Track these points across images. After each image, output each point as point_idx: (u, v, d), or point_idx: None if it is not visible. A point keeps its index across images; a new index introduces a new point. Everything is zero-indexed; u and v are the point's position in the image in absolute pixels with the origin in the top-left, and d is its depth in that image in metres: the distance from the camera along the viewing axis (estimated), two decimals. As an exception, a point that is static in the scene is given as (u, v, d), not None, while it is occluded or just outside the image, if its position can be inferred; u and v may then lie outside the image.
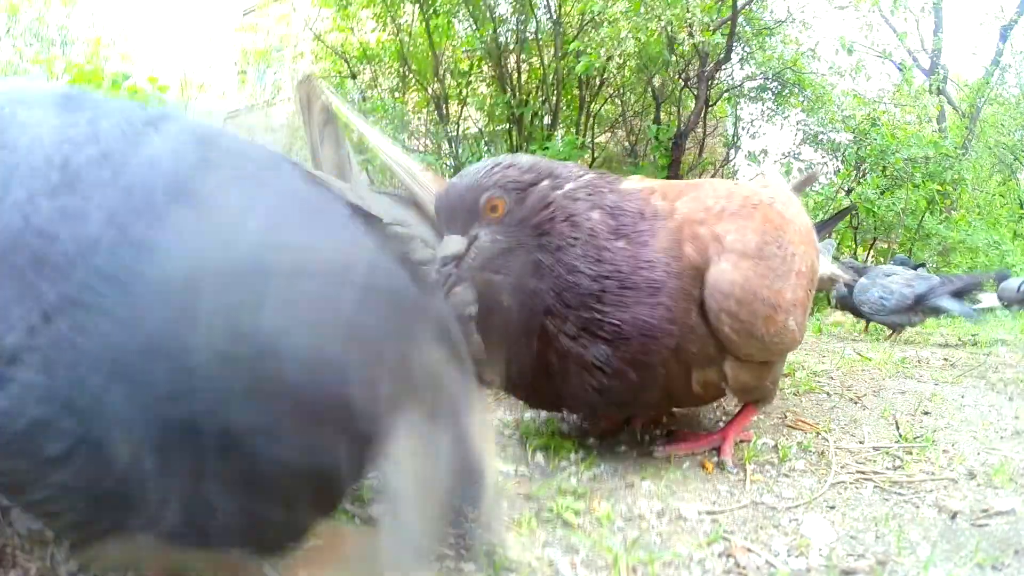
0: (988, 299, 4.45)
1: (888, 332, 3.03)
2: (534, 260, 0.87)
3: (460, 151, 5.71)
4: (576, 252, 0.87)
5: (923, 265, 3.69)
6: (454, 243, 0.86)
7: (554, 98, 5.70)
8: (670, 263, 0.88)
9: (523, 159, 0.91)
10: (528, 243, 0.88)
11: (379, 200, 1.20)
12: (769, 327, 0.94)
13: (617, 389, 0.89)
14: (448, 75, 5.80)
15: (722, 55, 5.26)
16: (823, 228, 1.98)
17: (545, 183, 0.89)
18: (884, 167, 5.76)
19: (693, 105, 5.74)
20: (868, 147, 5.72)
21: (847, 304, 3.20)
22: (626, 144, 6.57)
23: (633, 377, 0.88)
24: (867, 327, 3.30)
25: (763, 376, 1.02)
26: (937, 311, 2.93)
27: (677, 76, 5.81)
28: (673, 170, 5.52)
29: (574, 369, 0.88)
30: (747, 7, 5.33)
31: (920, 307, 2.84)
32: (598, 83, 5.90)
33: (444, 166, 5.39)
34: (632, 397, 0.92)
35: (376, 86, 6.15)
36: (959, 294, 2.86)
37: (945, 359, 2.18)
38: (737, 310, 0.90)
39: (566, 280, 0.86)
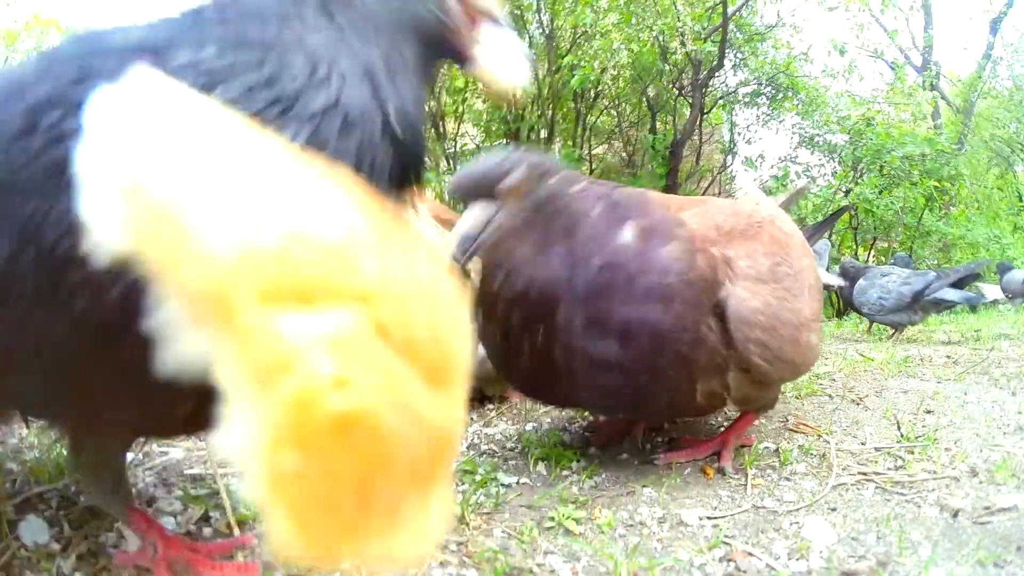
0: (991, 292, 4.43)
1: (890, 332, 3.02)
2: (548, 245, 0.90)
3: (458, 167, 5.75)
4: (584, 239, 0.89)
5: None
6: (475, 215, 0.88)
7: (550, 112, 5.74)
8: (683, 272, 0.89)
9: (536, 155, 0.96)
10: (542, 228, 0.90)
11: None
12: (796, 348, 0.95)
13: (621, 389, 0.89)
14: (444, 92, 5.86)
15: (715, 62, 5.30)
16: (819, 230, 1.99)
17: (556, 179, 0.94)
18: (881, 166, 5.77)
19: (688, 113, 5.78)
20: (864, 147, 5.74)
21: (851, 304, 3.21)
22: (623, 155, 6.60)
23: (639, 379, 0.88)
24: (870, 327, 3.29)
25: (767, 388, 1.02)
26: (939, 304, 2.93)
27: (671, 85, 5.86)
28: (671, 178, 5.55)
29: (580, 364, 0.88)
30: (737, 14, 5.38)
31: (919, 304, 2.84)
32: (593, 95, 5.94)
33: (442, 183, 5.43)
34: (635, 399, 0.92)
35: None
36: (958, 285, 2.87)
37: (948, 356, 2.17)
38: (766, 339, 0.90)
39: (576, 269, 0.88)
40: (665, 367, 0.88)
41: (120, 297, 0.42)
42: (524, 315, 0.90)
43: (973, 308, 3.18)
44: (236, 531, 0.78)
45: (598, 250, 0.88)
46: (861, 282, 3.00)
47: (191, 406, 0.48)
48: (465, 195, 0.90)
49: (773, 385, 1.03)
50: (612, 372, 0.87)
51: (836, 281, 1.84)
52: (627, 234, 0.90)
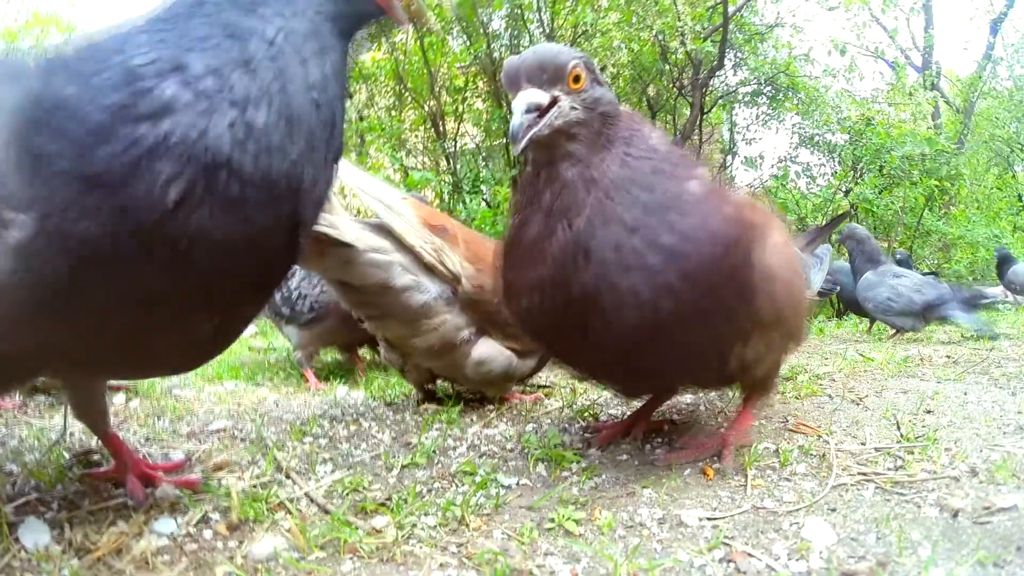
0: (993, 291, 4.38)
1: (890, 332, 3.02)
2: (604, 145, 0.87)
3: (458, 167, 5.76)
4: (640, 152, 0.88)
5: (935, 274, 3.64)
6: (537, 95, 0.85)
7: (549, 110, 5.74)
8: (740, 223, 0.90)
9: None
10: (599, 128, 0.88)
11: (355, 229, 1.23)
12: (795, 313, 1.01)
13: (657, 309, 0.84)
14: (444, 92, 5.86)
15: (715, 62, 5.30)
16: (820, 234, 1.99)
17: (607, 90, 0.92)
18: (881, 166, 5.78)
19: (688, 113, 5.78)
20: (864, 147, 5.74)
21: (852, 303, 3.19)
22: (623, 153, 6.60)
23: (671, 305, 0.84)
24: (870, 327, 3.28)
25: (769, 352, 1.03)
26: (944, 320, 2.91)
27: (671, 84, 5.86)
28: (670, 177, 5.54)
29: (615, 266, 0.84)
30: (738, 14, 5.38)
31: (926, 314, 2.83)
32: (593, 94, 5.94)
33: (443, 183, 5.43)
34: (664, 335, 0.87)
35: (373, 105, 6.22)
36: (968, 305, 2.85)
37: (948, 356, 2.17)
38: (779, 288, 0.94)
39: (638, 174, 0.86)
40: (713, 301, 0.87)
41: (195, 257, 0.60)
42: (567, 209, 0.86)
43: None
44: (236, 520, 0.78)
45: (658, 165, 0.87)
46: (870, 276, 2.95)
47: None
48: (526, 75, 0.85)
49: (774, 350, 1.05)
50: (663, 286, 0.84)
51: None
52: (695, 181, 0.90)
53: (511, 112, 0.85)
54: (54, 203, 0.55)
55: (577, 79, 0.86)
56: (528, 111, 0.83)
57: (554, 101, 0.84)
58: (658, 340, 0.87)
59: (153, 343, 0.67)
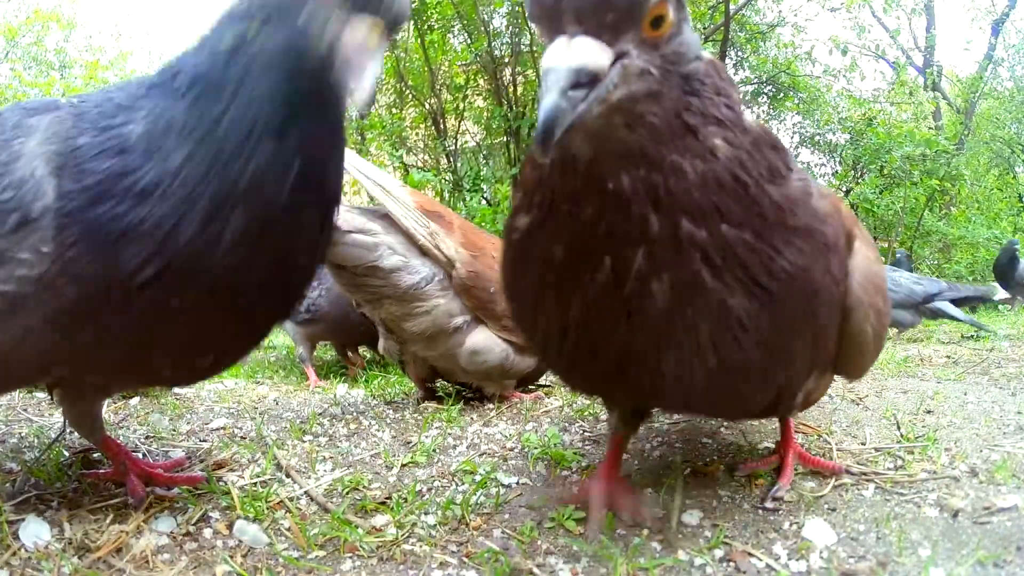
0: (998, 290, 4.37)
1: (891, 331, 3.03)
2: (683, 130, 0.57)
3: (458, 165, 5.75)
4: (741, 144, 0.60)
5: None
6: (591, 52, 0.52)
7: (550, 109, 5.73)
8: (839, 235, 0.69)
9: None
10: (678, 102, 0.57)
11: (346, 213, 1.25)
12: (883, 328, 0.84)
13: (745, 365, 0.65)
14: (444, 90, 5.86)
15: (715, 61, 5.30)
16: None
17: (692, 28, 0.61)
18: (881, 166, 5.78)
19: (688, 111, 5.77)
20: (864, 146, 5.75)
21: None
22: (623, 152, 6.60)
23: (773, 349, 0.65)
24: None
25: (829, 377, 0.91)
26: (937, 315, 2.93)
27: (671, 83, 5.86)
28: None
29: (689, 323, 0.62)
30: (739, 13, 5.38)
31: (924, 307, 2.85)
32: (593, 92, 5.94)
33: (443, 180, 5.43)
34: (754, 364, 0.66)
35: (373, 103, 6.22)
36: (963, 302, 2.89)
37: (948, 356, 2.17)
38: (879, 305, 0.78)
39: (727, 177, 0.59)
40: (806, 326, 0.69)
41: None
42: (634, 229, 0.59)
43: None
44: (237, 522, 0.78)
45: (759, 166, 0.61)
46: None
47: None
48: (576, 8, 0.52)
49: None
50: (745, 341, 0.64)
51: None
52: (795, 177, 0.65)
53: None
54: (67, 240, 0.62)
55: (659, 21, 0.54)
56: (574, 86, 0.50)
57: (620, 58, 0.53)
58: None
59: (153, 363, 0.74)
